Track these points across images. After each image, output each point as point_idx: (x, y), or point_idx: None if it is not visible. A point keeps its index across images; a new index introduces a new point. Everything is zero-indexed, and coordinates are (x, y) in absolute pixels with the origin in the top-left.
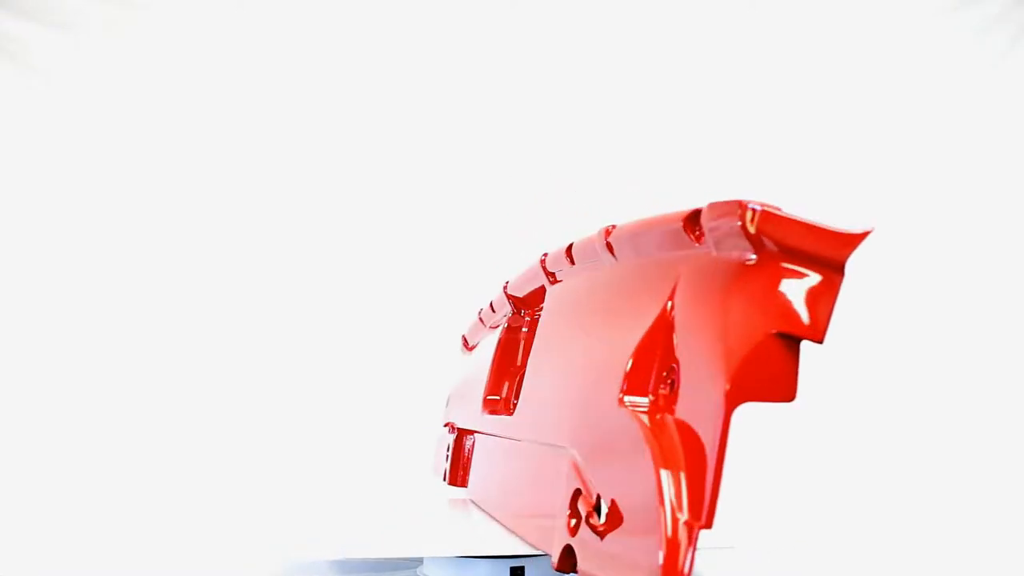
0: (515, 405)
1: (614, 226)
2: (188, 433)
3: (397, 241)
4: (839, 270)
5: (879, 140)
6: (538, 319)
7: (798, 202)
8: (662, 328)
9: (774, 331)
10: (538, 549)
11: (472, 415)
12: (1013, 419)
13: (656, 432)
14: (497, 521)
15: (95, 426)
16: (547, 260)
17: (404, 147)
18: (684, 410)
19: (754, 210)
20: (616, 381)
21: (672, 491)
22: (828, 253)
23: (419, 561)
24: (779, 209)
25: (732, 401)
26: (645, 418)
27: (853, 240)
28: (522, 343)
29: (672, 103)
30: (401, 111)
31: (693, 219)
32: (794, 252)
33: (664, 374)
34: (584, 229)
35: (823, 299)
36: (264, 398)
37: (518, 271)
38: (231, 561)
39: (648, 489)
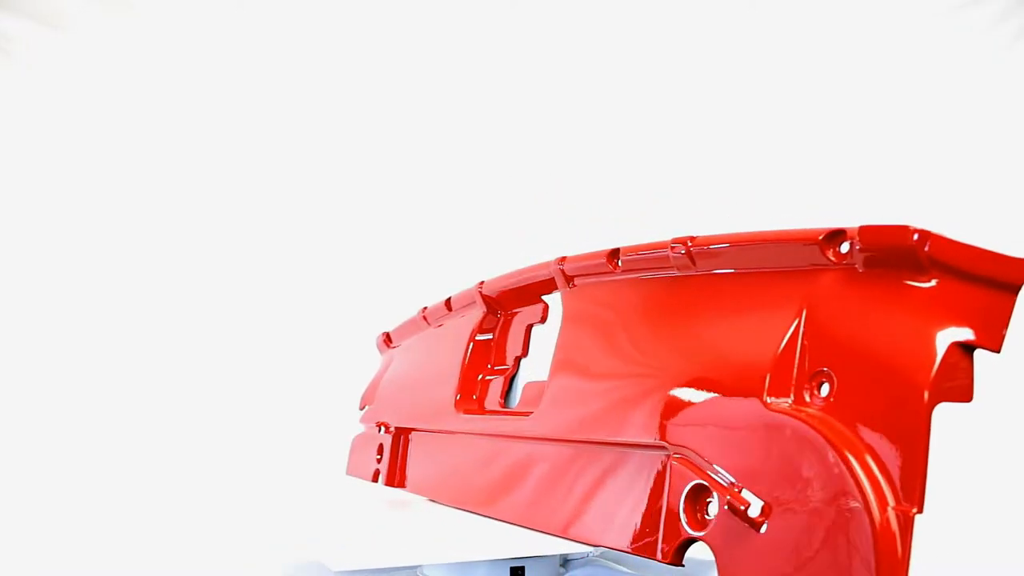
0: (502, 404)
1: (692, 237)
2: (188, 435)
3: (390, 239)
4: (1015, 291)
5: (881, 139)
6: (512, 320)
7: (801, 199)
8: (798, 335)
9: (957, 341)
10: (592, 544)
11: (429, 414)
12: None
13: (833, 429)
14: (498, 520)
15: (94, 428)
16: (567, 263)
17: (402, 148)
18: (860, 409)
19: (925, 234)
20: (754, 384)
21: (870, 481)
22: (1005, 276)
23: None
24: (944, 235)
25: (933, 401)
26: (810, 417)
27: None
28: (495, 344)
29: (671, 103)
30: (400, 111)
31: (832, 238)
32: (967, 274)
33: (813, 376)
34: (587, 229)
35: (999, 314)
36: (262, 400)
37: (497, 272)
38: (231, 562)
39: (835, 481)
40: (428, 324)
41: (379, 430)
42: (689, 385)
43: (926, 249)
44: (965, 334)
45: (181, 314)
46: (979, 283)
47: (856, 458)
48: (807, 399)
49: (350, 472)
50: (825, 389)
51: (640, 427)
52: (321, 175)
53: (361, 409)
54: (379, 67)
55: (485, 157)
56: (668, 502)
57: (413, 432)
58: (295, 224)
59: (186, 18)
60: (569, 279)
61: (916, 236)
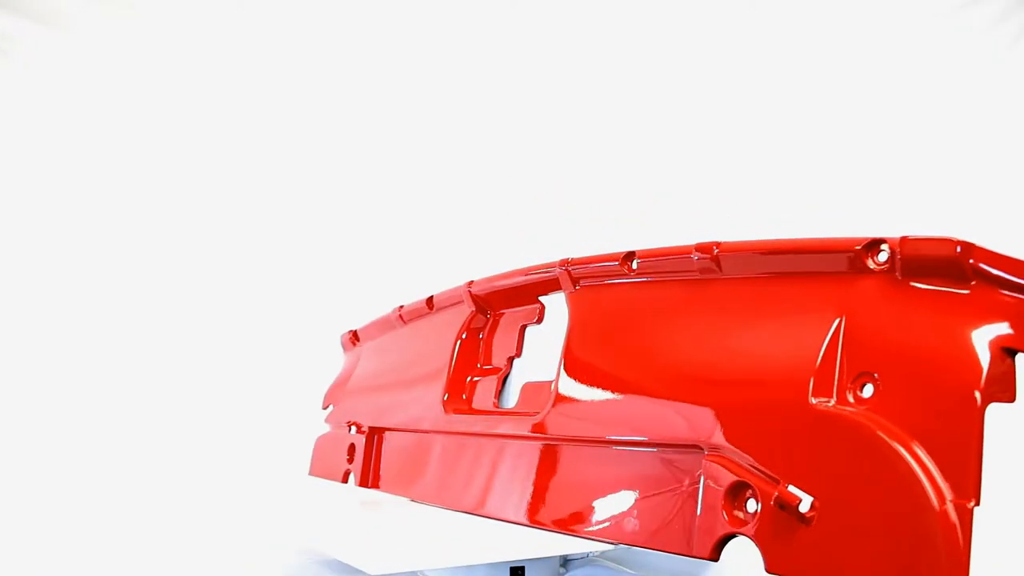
0: (496, 405)
1: (716, 243)
2: (187, 435)
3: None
4: None
5: (881, 138)
6: (502, 321)
7: (801, 200)
8: (838, 339)
9: (1003, 346)
10: (618, 543)
11: (411, 414)
12: None
13: (886, 427)
14: (505, 521)
15: (94, 428)
16: (574, 265)
17: (395, 148)
18: (909, 408)
19: (968, 246)
20: (797, 385)
21: (927, 476)
22: None
23: None
24: (984, 246)
25: (985, 402)
26: (863, 415)
27: None
28: (484, 344)
29: (671, 104)
30: (397, 111)
31: (872, 247)
32: (1007, 282)
33: (856, 378)
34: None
35: None
36: (218, 399)
37: (487, 272)
38: (231, 561)
39: (893, 476)
40: (404, 323)
41: (349, 430)
42: (726, 387)
43: (970, 260)
44: (1009, 339)
45: (150, 309)
46: (1018, 291)
47: (911, 454)
48: (850, 400)
49: (314, 473)
50: (868, 390)
51: (671, 428)
52: (312, 175)
53: (324, 408)
54: (377, 67)
55: (482, 157)
56: (705, 500)
57: (388, 432)
58: (282, 222)
59: (182, 18)
60: (575, 280)
61: (959, 248)
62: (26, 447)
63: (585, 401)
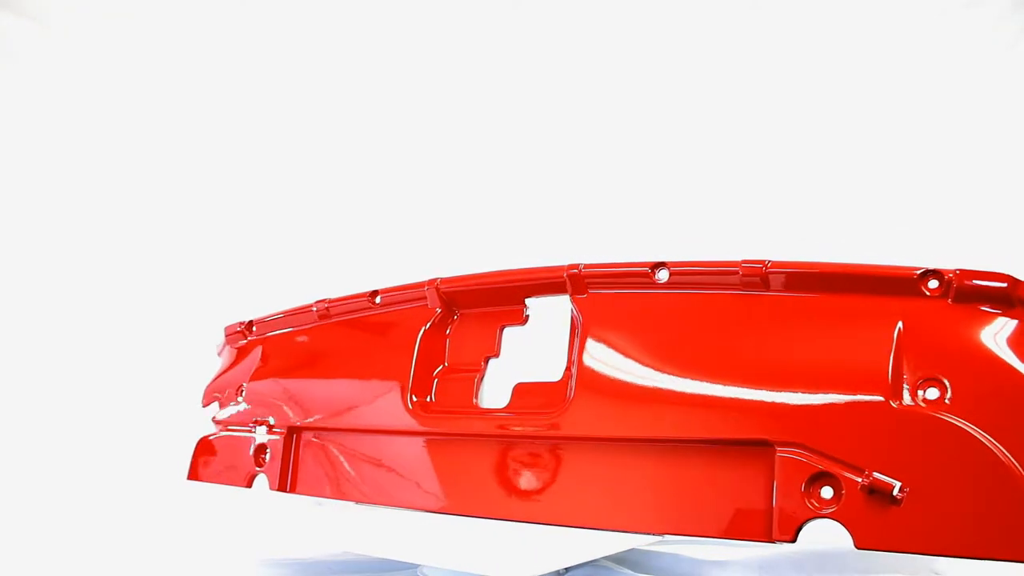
0: (476, 405)
1: (764, 261)
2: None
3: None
4: None
5: (882, 140)
6: (472, 320)
7: (799, 202)
8: (902, 350)
9: None
10: (679, 534)
11: (360, 413)
12: None
13: (963, 421)
14: (537, 523)
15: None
16: (585, 270)
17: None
18: (981, 408)
19: (1015, 281)
20: (874, 389)
21: (1008, 459)
22: None
23: None
24: None
25: None
26: (936, 412)
27: None
28: (451, 343)
29: (671, 107)
30: (390, 110)
31: (927, 276)
32: None
33: (921, 382)
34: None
35: None
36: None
37: (462, 270)
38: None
39: (978, 462)
40: (330, 317)
41: (254, 430)
42: (796, 391)
43: (1017, 291)
44: None
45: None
46: None
47: (990, 443)
48: (919, 401)
49: (197, 477)
50: (933, 393)
51: (735, 427)
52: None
53: (206, 406)
54: (372, 69)
55: (467, 156)
56: (781, 489)
57: (312, 432)
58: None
59: (177, 18)
60: (586, 286)
61: (1007, 284)
62: None
63: (616, 402)
